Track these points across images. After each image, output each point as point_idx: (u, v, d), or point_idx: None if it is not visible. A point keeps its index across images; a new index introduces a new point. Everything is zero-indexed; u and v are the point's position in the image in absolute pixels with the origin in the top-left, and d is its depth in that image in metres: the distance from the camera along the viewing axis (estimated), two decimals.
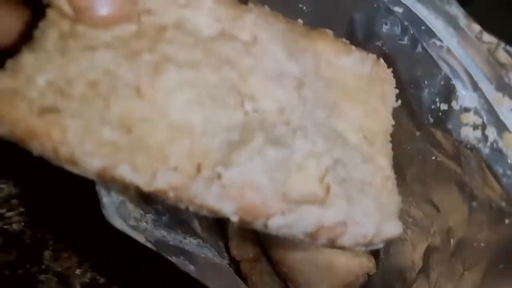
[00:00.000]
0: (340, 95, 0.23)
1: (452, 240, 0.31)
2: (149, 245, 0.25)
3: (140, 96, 0.19)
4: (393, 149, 0.35)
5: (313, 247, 0.43)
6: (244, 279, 0.43)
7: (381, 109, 0.24)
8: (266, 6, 0.22)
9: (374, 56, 0.23)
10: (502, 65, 0.23)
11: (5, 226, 0.43)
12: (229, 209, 0.19)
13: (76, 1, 0.18)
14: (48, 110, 0.17)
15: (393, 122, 0.24)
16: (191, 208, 0.19)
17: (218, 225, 0.43)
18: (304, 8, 0.31)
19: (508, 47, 0.23)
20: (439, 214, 0.33)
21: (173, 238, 0.31)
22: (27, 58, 0.18)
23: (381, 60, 0.24)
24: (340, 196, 0.20)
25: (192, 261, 0.29)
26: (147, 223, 0.28)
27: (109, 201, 0.23)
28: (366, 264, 0.42)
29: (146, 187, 0.18)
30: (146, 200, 0.30)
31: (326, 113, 0.22)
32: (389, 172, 0.23)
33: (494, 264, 0.26)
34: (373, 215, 0.21)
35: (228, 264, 0.35)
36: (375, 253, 0.42)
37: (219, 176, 0.18)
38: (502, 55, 0.23)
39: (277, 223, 0.19)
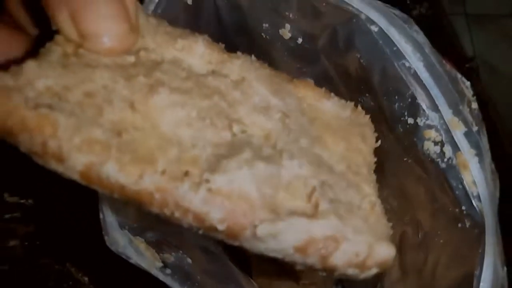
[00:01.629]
0: (323, 131, 0.24)
1: (420, 232, 0.35)
2: (148, 257, 0.28)
3: (133, 109, 0.20)
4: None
5: None
6: (245, 255, 0.48)
7: (363, 147, 0.24)
8: (252, 56, 0.25)
9: (352, 103, 0.25)
10: (459, 93, 0.26)
11: (22, 200, 0.47)
12: (216, 215, 0.19)
13: (83, 29, 0.21)
14: (43, 106, 0.19)
15: (375, 159, 0.25)
16: (176, 214, 0.19)
17: None
18: (290, 15, 0.34)
19: (463, 79, 0.26)
20: (411, 207, 0.37)
21: (173, 232, 0.35)
22: (30, 64, 0.20)
23: (359, 107, 0.25)
24: (329, 212, 0.20)
25: (189, 254, 0.34)
26: (150, 221, 0.32)
27: (114, 216, 0.26)
28: None
29: (132, 185, 0.19)
30: None
31: (310, 142, 0.23)
32: (375, 198, 0.23)
33: (448, 261, 0.30)
34: (365, 234, 0.20)
35: (224, 249, 0.40)
36: None
37: (207, 181, 0.19)
38: (459, 85, 0.26)
39: (265, 231, 0.19)
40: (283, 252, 0.19)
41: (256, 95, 0.23)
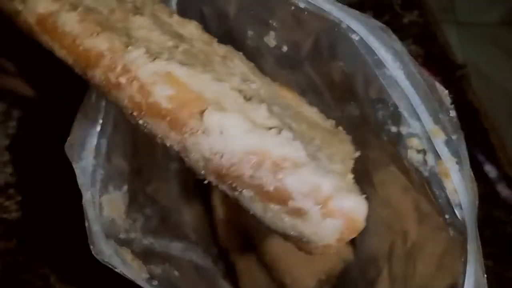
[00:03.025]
0: (298, 117, 0.23)
1: (408, 242, 0.36)
2: (134, 268, 0.29)
3: (112, 13, 0.21)
4: (361, 153, 0.40)
5: None
6: (233, 268, 0.49)
7: (342, 144, 0.24)
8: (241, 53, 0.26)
9: (333, 121, 0.26)
10: (438, 101, 0.27)
11: (4, 215, 0.47)
12: (164, 90, 0.18)
13: None
14: None
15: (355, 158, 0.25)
16: (121, 80, 0.18)
17: (206, 219, 0.49)
18: (274, 24, 0.35)
19: (441, 87, 0.27)
20: (399, 216, 0.37)
21: (160, 244, 0.36)
22: None
23: (340, 127, 0.26)
24: (295, 139, 0.18)
25: (177, 267, 0.34)
26: (136, 232, 0.33)
27: (99, 225, 0.27)
28: (344, 252, 0.47)
29: (85, 39, 0.19)
30: (135, 206, 0.35)
31: (283, 108, 0.22)
32: (351, 175, 0.22)
33: (434, 270, 0.31)
34: (333, 176, 0.18)
35: (213, 262, 0.40)
36: (352, 243, 0.48)
37: (166, 60, 0.18)
38: (437, 93, 0.27)
39: (214, 119, 0.17)
40: (228, 156, 0.17)
41: (237, 68, 0.23)
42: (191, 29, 0.25)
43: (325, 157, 0.20)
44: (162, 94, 0.17)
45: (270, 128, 0.18)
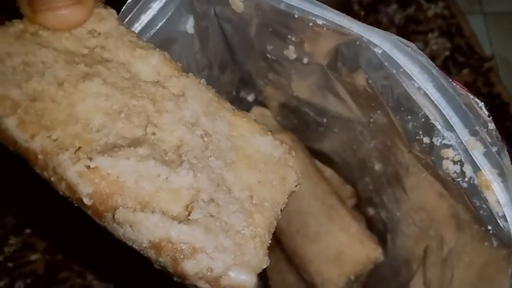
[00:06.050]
0: (240, 159, 0.24)
1: (444, 248, 0.34)
2: None
3: (60, 86, 0.22)
4: (391, 158, 0.38)
5: (322, 239, 0.47)
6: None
7: (277, 186, 0.24)
8: (203, 80, 0.25)
9: (287, 147, 0.24)
10: (473, 113, 0.25)
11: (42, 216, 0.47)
12: (85, 189, 0.20)
13: (35, 6, 0.22)
14: None
15: (285, 204, 0.24)
16: (53, 179, 0.20)
17: None
18: (293, 39, 0.33)
19: (476, 99, 0.25)
20: (433, 222, 0.35)
21: None
22: None
23: (293, 152, 0.24)
24: (198, 223, 0.20)
25: None
26: None
27: None
28: (373, 253, 0.46)
29: (22, 142, 0.20)
30: None
31: (220, 164, 0.23)
32: (262, 231, 0.22)
33: (474, 280, 0.29)
34: (227, 255, 0.20)
35: None
36: (383, 243, 0.46)
37: (89, 158, 0.20)
38: (472, 105, 0.25)
39: (124, 217, 0.20)
40: (138, 243, 0.20)
41: (188, 110, 0.24)
42: (153, 62, 0.24)
43: (243, 218, 0.22)
44: (84, 192, 0.20)
45: (187, 205, 0.21)
